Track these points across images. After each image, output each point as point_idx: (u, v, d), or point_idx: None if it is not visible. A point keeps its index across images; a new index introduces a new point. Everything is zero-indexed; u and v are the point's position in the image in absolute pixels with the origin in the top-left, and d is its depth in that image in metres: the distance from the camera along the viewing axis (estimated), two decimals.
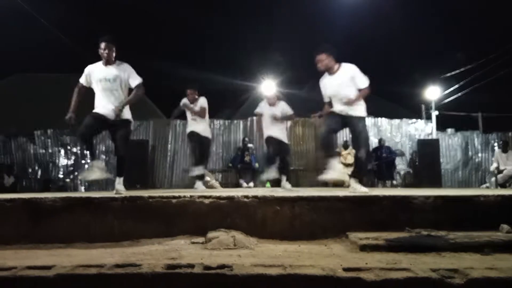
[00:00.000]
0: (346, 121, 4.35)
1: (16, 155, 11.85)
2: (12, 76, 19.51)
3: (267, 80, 13.18)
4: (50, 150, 11.79)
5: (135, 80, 4.27)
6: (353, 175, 4.40)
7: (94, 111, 4.28)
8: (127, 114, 4.32)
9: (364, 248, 2.42)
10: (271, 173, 6.19)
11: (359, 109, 4.33)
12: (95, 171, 4.18)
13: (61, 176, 11.59)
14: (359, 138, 4.37)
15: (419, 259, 2.18)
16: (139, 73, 4.30)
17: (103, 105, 4.23)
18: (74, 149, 11.53)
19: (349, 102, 4.24)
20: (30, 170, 11.78)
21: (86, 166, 4.33)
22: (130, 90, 4.34)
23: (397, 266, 1.96)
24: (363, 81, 4.30)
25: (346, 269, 1.89)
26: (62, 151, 11.74)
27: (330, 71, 4.39)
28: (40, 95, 17.00)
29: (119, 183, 4.31)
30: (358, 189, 4.07)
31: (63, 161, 11.68)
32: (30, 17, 9.59)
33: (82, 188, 11.46)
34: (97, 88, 4.28)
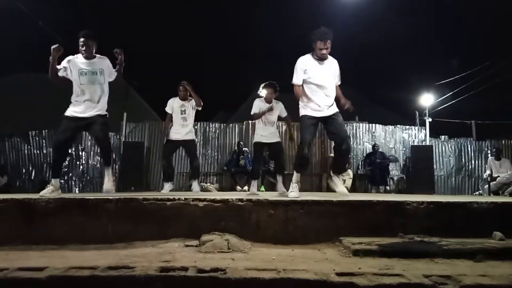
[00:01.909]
0: (325, 119, 4.23)
1: (10, 155, 11.77)
2: (7, 76, 19.42)
3: (263, 83, 13.19)
4: (44, 151, 11.72)
5: (113, 73, 4.34)
6: (336, 171, 4.29)
7: (67, 114, 4.18)
8: (100, 110, 4.26)
9: (357, 253, 2.43)
10: (253, 187, 6.04)
11: (335, 106, 4.27)
12: (52, 190, 4.01)
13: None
14: (343, 129, 4.23)
15: (412, 265, 2.18)
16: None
17: (79, 106, 4.19)
18: (69, 150, 11.46)
19: (332, 99, 4.23)
20: (24, 170, 11.70)
21: (48, 185, 4.09)
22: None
23: (390, 272, 1.97)
24: (339, 79, 4.33)
25: (339, 274, 1.90)
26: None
27: (324, 59, 4.21)
28: (35, 96, 16.93)
29: (107, 174, 4.28)
30: (338, 189, 3.95)
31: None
32: (26, 17, 9.55)
33: (76, 190, 11.40)
34: (73, 80, 4.21)
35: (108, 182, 4.20)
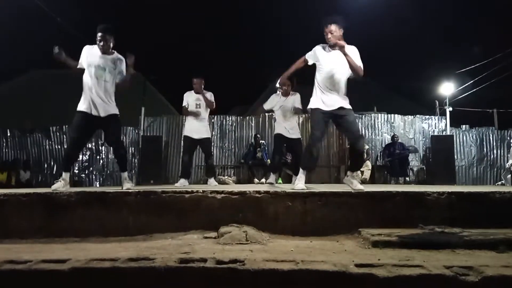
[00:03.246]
0: (337, 115, 4.09)
1: (32, 151, 12.04)
2: (28, 72, 19.80)
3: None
4: (65, 146, 11.93)
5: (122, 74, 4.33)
6: (351, 168, 4.13)
7: (79, 109, 4.18)
8: (113, 109, 4.26)
9: (376, 244, 2.41)
10: (271, 179, 6.02)
11: (348, 101, 4.13)
12: (64, 184, 4.00)
13: (76, 171, 11.74)
14: (356, 129, 4.13)
15: (433, 256, 2.16)
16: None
17: (91, 98, 4.17)
18: (89, 145, 11.66)
19: (343, 93, 4.13)
20: (45, 165, 11.96)
21: (59, 180, 4.14)
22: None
23: (410, 263, 1.94)
24: (360, 65, 4.10)
25: (358, 265, 1.88)
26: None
27: (335, 48, 4.08)
28: (56, 92, 17.23)
29: (125, 178, 4.29)
30: (354, 186, 3.78)
31: (80, 156, 11.80)
32: (48, 14, 9.68)
33: (97, 183, 11.60)
34: (87, 72, 4.21)
35: (127, 184, 4.23)
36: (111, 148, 4.59)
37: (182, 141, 6.61)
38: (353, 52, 4.11)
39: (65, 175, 4.12)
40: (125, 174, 4.34)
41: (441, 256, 2.17)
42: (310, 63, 4.24)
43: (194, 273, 1.86)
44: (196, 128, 6.14)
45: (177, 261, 1.95)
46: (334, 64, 4.09)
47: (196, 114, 6.13)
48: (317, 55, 4.18)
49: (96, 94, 4.18)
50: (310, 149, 4.20)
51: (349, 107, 4.12)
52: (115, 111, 4.26)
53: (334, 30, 4.04)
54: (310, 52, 4.25)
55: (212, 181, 6.22)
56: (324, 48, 4.19)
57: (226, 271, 1.85)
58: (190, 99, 6.18)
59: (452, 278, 1.74)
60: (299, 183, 4.02)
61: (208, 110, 6.22)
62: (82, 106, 4.19)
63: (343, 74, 4.13)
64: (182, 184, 5.91)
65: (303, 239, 2.75)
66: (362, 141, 4.19)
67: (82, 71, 4.26)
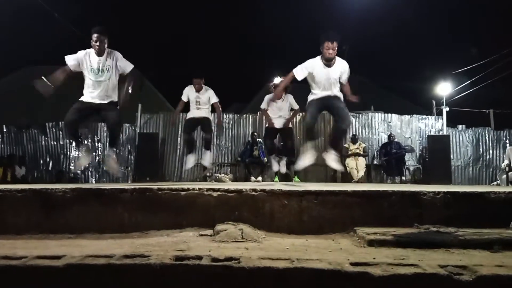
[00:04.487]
0: (327, 103, 4.48)
1: (27, 147, 12.00)
2: (24, 68, 19.70)
3: (277, 75, 13.16)
4: (61, 142, 11.91)
5: (127, 67, 4.40)
6: (332, 145, 4.53)
7: (80, 99, 4.36)
8: (114, 97, 4.41)
9: (372, 243, 2.41)
10: (275, 165, 6.35)
11: (341, 96, 4.51)
12: (85, 156, 4.28)
13: (72, 167, 11.71)
14: (344, 111, 4.43)
15: (428, 255, 2.16)
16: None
17: (91, 95, 4.33)
18: (85, 141, 11.63)
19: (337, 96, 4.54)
20: (41, 161, 11.92)
21: (78, 154, 4.50)
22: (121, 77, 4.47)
23: (405, 262, 1.95)
24: (346, 78, 4.52)
25: (353, 264, 1.89)
26: (73, 143, 11.86)
27: (331, 63, 4.36)
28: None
29: (109, 155, 4.42)
30: (331, 164, 4.23)
31: (74, 152, 11.78)
32: (43, 10, 9.65)
33: (93, 180, 11.57)
34: (87, 76, 4.33)
35: (115, 164, 4.32)
36: (108, 129, 4.76)
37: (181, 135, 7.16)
38: (344, 67, 4.38)
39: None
40: (110, 151, 4.45)
41: (436, 255, 2.17)
42: (300, 79, 4.47)
43: (190, 270, 1.86)
44: (194, 112, 6.45)
45: (172, 258, 1.95)
46: (328, 80, 4.39)
47: (195, 108, 6.42)
48: (313, 67, 4.41)
49: (92, 93, 4.32)
50: (305, 126, 4.78)
51: (340, 95, 4.51)
52: (114, 100, 4.39)
53: (335, 47, 4.29)
54: (300, 69, 4.47)
55: (206, 157, 6.48)
56: (318, 64, 4.42)
57: (221, 269, 1.85)
58: (191, 95, 6.42)
59: (447, 277, 1.75)
60: (301, 161, 4.49)
61: (209, 103, 6.49)
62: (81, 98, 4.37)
63: (336, 85, 4.49)
64: (192, 163, 6.39)
65: (298, 237, 2.75)
66: (347, 121, 4.60)
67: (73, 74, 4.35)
